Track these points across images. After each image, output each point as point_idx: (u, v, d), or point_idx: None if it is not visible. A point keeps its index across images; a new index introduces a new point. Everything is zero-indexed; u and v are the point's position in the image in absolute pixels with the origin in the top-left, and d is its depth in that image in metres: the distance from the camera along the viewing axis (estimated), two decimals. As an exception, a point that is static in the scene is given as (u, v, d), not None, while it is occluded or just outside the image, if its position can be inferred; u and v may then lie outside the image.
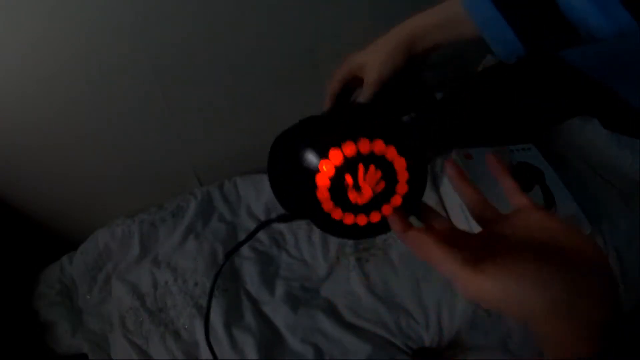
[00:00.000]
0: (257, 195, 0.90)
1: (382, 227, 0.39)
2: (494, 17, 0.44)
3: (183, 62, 0.72)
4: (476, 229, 0.73)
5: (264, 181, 0.91)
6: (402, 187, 0.37)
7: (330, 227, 0.39)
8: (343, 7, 0.78)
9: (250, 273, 0.78)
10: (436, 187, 0.89)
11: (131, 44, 0.66)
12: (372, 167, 0.36)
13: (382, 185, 0.36)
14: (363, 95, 0.55)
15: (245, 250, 0.83)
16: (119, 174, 0.82)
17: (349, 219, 0.38)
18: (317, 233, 0.82)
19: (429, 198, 0.87)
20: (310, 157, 0.36)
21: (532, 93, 0.97)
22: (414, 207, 0.38)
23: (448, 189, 0.86)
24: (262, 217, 0.89)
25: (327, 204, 0.37)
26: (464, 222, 0.78)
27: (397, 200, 0.37)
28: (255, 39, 0.75)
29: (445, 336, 0.70)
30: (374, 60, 0.53)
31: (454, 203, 0.83)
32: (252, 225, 0.87)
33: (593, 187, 0.85)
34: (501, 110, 0.97)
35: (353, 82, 0.57)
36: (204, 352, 0.69)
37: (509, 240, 0.32)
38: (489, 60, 1.07)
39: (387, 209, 0.37)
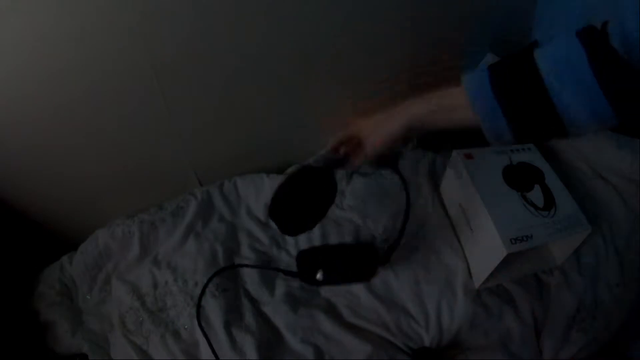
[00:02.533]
0: (257, 195, 0.90)
1: None
2: (492, 107, 0.50)
3: (183, 62, 0.72)
4: (474, 227, 0.73)
5: (264, 181, 0.91)
6: None
7: None
8: (344, 13, 0.79)
9: (250, 273, 0.78)
10: (436, 187, 0.89)
11: (131, 44, 0.66)
12: None
13: None
14: (358, 159, 0.72)
15: (245, 250, 0.83)
16: (118, 173, 0.82)
17: None
18: (316, 233, 0.82)
19: (428, 197, 0.87)
20: None
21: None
22: None
23: (447, 188, 0.86)
24: (262, 217, 0.89)
25: None
26: (463, 220, 0.78)
27: None
28: (255, 41, 0.75)
29: (445, 336, 0.70)
30: (375, 135, 0.66)
31: (454, 202, 0.83)
32: (252, 225, 0.87)
33: (592, 186, 0.85)
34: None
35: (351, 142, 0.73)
36: (205, 352, 0.69)
37: None
38: (489, 59, 1.07)
39: None
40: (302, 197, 0.68)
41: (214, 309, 0.72)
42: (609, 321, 0.72)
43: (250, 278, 0.77)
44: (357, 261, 0.74)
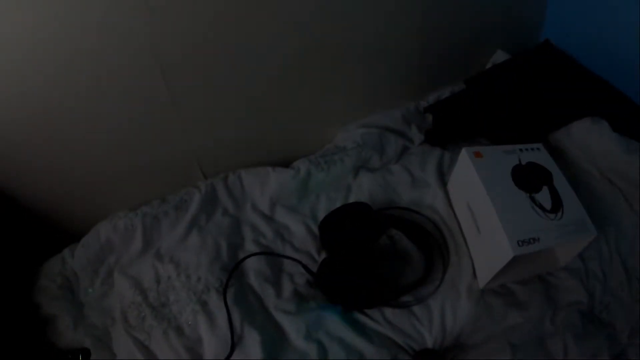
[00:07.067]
0: (262, 189, 0.89)
1: None
2: None
3: (188, 55, 0.70)
4: (482, 226, 0.73)
5: (269, 174, 0.89)
6: None
7: None
8: (352, 10, 0.79)
9: (254, 268, 0.78)
10: (443, 183, 0.88)
11: (136, 38, 0.65)
12: None
13: None
14: None
15: (249, 244, 0.82)
16: (121, 166, 0.81)
17: None
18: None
19: (436, 196, 0.86)
20: None
21: (542, 88, 0.96)
22: None
23: (455, 185, 0.85)
24: (267, 211, 0.88)
25: None
26: (470, 219, 0.78)
27: None
28: (261, 34, 0.74)
29: (448, 337, 0.71)
30: None
31: (461, 200, 0.82)
32: (256, 219, 0.86)
33: (600, 189, 0.85)
34: (512, 104, 0.96)
35: None
36: (208, 348, 0.69)
37: None
38: (499, 56, 1.06)
39: None
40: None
41: (218, 305, 0.71)
42: (615, 325, 0.72)
43: (255, 274, 0.77)
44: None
